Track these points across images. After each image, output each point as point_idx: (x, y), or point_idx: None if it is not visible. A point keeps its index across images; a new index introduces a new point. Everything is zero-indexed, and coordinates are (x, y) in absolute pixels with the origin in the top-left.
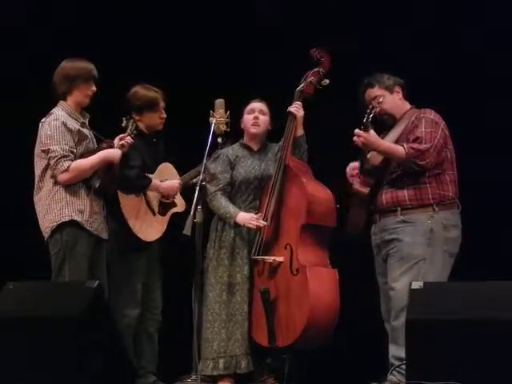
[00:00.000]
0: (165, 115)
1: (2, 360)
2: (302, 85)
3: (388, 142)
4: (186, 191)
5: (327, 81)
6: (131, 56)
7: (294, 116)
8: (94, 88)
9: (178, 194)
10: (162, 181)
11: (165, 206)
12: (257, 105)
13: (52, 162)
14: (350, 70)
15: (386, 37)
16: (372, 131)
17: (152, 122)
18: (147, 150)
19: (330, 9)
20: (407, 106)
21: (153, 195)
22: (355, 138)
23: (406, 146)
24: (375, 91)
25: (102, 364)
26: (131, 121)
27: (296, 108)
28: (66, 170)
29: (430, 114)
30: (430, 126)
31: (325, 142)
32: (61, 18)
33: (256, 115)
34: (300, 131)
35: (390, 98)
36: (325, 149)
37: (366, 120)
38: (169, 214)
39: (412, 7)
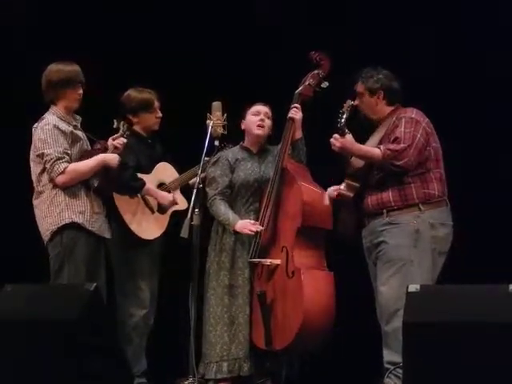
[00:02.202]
0: (160, 114)
1: (0, 362)
2: (300, 87)
3: (364, 146)
4: (186, 190)
5: (326, 83)
6: (130, 56)
7: (292, 119)
8: (81, 91)
9: (179, 192)
10: (160, 182)
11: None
12: (262, 108)
13: (48, 165)
14: (349, 71)
15: (386, 37)
16: (348, 136)
17: (148, 123)
18: (143, 151)
19: (330, 9)
20: (386, 110)
21: None
22: (332, 144)
23: (382, 147)
24: (358, 87)
25: (101, 366)
26: (122, 122)
27: (294, 111)
28: (63, 172)
29: (412, 113)
30: (410, 125)
31: (324, 144)
32: (61, 17)
33: (262, 117)
34: (299, 134)
35: (366, 99)
36: (324, 151)
37: (340, 124)
38: (169, 211)
39: (412, 7)
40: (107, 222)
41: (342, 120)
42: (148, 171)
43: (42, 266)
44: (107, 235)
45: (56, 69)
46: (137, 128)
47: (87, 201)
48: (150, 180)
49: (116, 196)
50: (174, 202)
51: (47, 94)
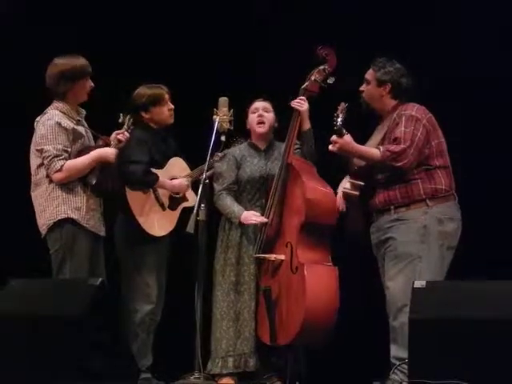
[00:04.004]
0: (172, 106)
1: (4, 358)
2: (306, 83)
3: (363, 147)
4: (195, 185)
5: (333, 79)
6: (135, 56)
7: (298, 112)
8: (92, 84)
9: (190, 188)
10: (173, 178)
11: (175, 200)
12: (260, 103)
13: (46, 161)
14: (350, 69)
15: (387, 36)
16: (347, 136)
17: (161, 116)
18: (156, 145)
19: (331, 8)
20: (390, 103)
21: (162, 190)
22: (330, 146)
23: (382, 149)
24: (368, 73)
25: (105, 362)
26: (128, 117)
27: (299, 103)
28: (60, 170)
29: (412, 110)
30: (410, 123)
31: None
32: (61, 17)
33: (260, 113)
34: (307, 125)
35: (371, 88)
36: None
37: (337, 126)
38: (179, 208)
39: (412, 7)
40: (102, 220)
41: (338, 122)
42: (161, 166)
43: (46, 261)
44: (102, 233)
45: (67, 62)
46: (150, 123)
47: (84, 197)
48: (163, 175)
49: (128, 191)
50: (187, 186)
51: (59, 88)
